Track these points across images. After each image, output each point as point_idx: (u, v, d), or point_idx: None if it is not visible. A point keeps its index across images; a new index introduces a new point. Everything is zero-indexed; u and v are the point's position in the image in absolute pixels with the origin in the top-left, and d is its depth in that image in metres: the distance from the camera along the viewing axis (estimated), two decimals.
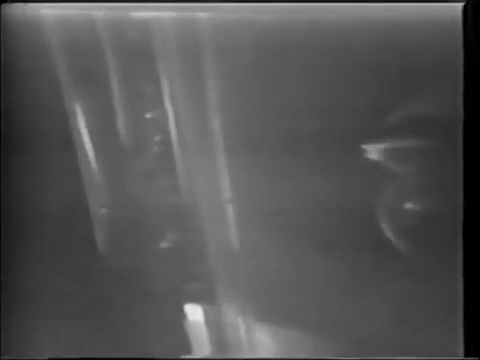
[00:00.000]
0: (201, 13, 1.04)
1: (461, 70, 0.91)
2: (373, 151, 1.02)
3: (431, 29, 0.93)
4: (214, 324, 1.15)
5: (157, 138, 1.10)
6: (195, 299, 1.14)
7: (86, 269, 1.12)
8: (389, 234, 1.04)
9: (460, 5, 0.90)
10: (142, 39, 1.06)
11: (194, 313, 1.15)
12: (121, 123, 1.09)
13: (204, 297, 1.13)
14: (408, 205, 1.02)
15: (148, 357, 1.08)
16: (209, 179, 1.09)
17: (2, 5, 1.04)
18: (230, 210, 1.10)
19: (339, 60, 0.99)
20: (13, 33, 1.05)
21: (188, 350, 1.15)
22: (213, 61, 1.06)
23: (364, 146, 1.02)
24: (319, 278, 1.09)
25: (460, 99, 0.92)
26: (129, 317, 1.12)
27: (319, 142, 1.04)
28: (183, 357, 1.15)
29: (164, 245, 1.12)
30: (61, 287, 1.11)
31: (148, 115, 1.10)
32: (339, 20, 0.98)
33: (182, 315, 1.15)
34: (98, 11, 1.05)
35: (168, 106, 1.09)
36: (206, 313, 1.15)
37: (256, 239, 1.10)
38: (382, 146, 1.02)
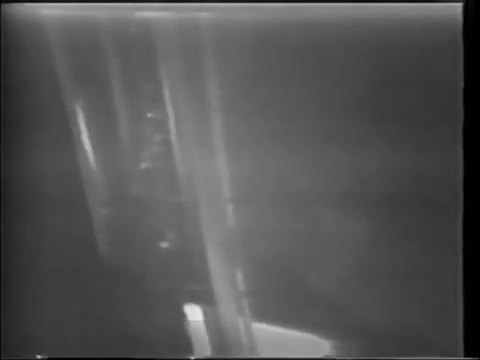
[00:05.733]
0: (202, 13, 1.04)
1: (461, 70, 0.92)
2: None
3: (431, 29, 0.93)
4: (214, 324, 1.15)
5: (157, 138, 1.10)
6: (195, 299, 1.14)
7: (86, 268, 1.12)
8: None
9: (460, 5, 0.90)
10: (143, 39, 1.06)
11: (194, 313, 1.15)
12: (121, 122, 1.10)
13: (204, 297, 1.13)
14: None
15: (148, 357, 1.08)
16: (209, 179, 1.09)
17: (2, 5, 1.04)
18: (230, 210, 1.10)
19: (339, 60, 0.99)
20: (13, 33, 1.05)
21: (188, 350, 1.15)
22: (214, 61, 1.06)
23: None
24: (321, 277, 1.09)
25: (460, 99, 0.92)
26: (129, 316, 1.13)
27: (319, 141, 1.04)
28: (183, 357, 1.15)
29: (164, 245, 1.12)
30: (61, 287, 1.12)
31: (148, 115, 1.10)
32: (339, 20, 0.98)
33: (182, 315, 1.15)
34: (99, 11, 1.05)
35: (169, 106, 1.09)
36: (206, 313, 1.15)
37: (256, 239, 1.10)
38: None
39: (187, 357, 1.15)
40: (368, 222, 1.04)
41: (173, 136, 1.10)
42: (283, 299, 1.11)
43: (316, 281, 1.09)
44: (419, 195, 1.00)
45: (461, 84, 0.92)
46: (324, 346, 1.11)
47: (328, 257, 1.08)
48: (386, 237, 1.03)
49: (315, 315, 1.10)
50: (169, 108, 1.09)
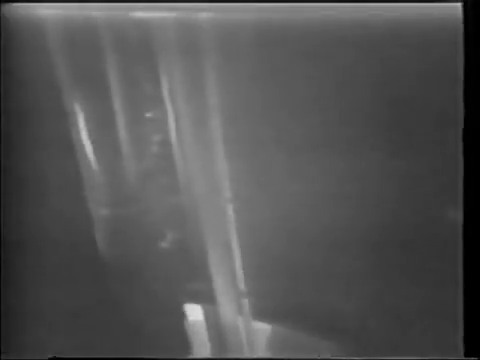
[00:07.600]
0: (201, 13, 1.04)
1: (461, 70, 0.91)
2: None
3: (431, 28, 0.93)
4: (214, 324, 1.15)
5: (157, 138, 1.10)
6: (195, 299, 1.14)
7: (86, 269, 1.12)
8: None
9: (459, 4, 0.90)
10: (142, 39, 1.06)
11: (194, 313, 1.15)
12: (121, 123, 1.09)
13: (204, 297, 1.14)
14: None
15: (148, 357, 1.08)
16: (209, 179, 1.09)
17: (2, 5, 1.04)
18: (230, 210, 1.10)
19: (339, 59, 0.99)
20: (13, 33, 1.05)
21: (188, 350, 1.15)
22: (213, 61, 1.06)
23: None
24: (319, 277, 1.09)
25: (460, 99, 0.92)
26: (129, 317, 1.13)
27: (319, 142, 1.04)
28: (183, 357, 1.15)
29: (164, 245, 1.13)
30: (61, 287, 1.12)
31: (148, 115, 1.10)
32: (339, 20, 0.98)
33: (182, 315, 1.15)
34: (98, 11, 1.05)
35: (168, 106, 1.09)
36: (206, 313, 1.15)
37: (256, 239, 1.10)
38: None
39: (187, 357, 1.15)
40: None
41: (173, 136, 1.10)
42: (284, 298, 1.11)
43: (317, 282, 1.09)
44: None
45: (461, 84, 0.92)
46: (324, 346, 1.11)
47: (329, 258, 1.08)
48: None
49: (314, 315, 1.10)
50: (169, 108, 1.09)
